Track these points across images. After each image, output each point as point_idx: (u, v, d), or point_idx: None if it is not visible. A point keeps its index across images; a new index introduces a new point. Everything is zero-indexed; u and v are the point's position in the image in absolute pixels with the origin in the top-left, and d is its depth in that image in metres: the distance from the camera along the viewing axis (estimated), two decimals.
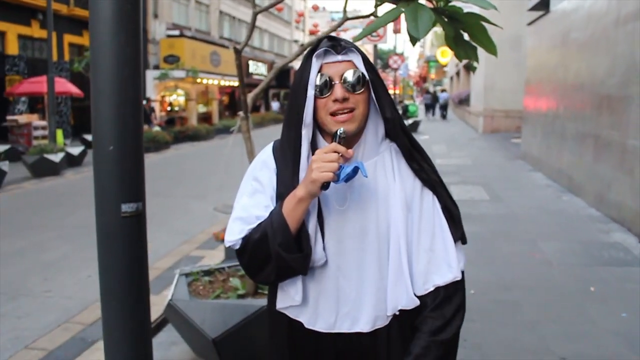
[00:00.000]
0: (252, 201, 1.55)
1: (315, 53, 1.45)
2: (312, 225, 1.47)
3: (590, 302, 4.51)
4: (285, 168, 1.52)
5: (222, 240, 4.98)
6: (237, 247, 1.52)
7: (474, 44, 2.56)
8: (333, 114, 1.45)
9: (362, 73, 1.46)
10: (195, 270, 3.79)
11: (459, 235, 1.56)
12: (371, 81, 1.47)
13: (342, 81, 1.44)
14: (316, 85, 1.45)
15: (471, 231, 6.66)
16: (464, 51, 2.53)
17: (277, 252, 1.43)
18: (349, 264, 1.50)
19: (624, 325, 4.05)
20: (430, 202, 1.53)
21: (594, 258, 5.68)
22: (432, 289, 1.50)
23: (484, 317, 4.19)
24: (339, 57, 1.46)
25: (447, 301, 1.49)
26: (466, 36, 2.60)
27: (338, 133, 1.41)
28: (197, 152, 17.85)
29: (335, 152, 1.38)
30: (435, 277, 1.50)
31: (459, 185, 9.99)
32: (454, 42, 2.56)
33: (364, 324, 1.50)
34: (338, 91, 1.43)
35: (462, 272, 1.54)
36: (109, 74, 1.90)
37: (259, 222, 1.49)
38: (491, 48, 2.55)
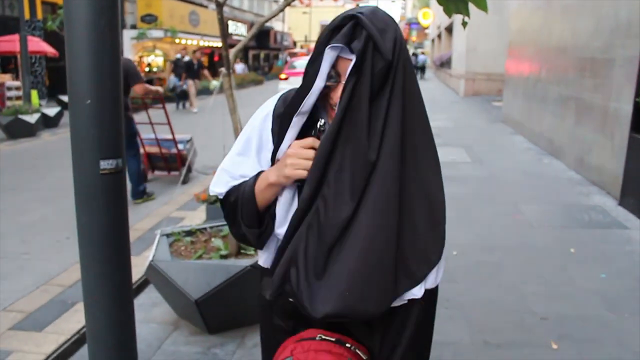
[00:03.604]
0: (240, 158, 1.52)
1: (329, 45, 1.29)
2: (284, 200, 1.43)
3: (571, 263, 4.56)
4: (278, 133, 1.45)
5: (203, 201, 4.95)
6: (221, 197, 1.54)
7: None
8: (330, 106, 1.37)
9: None
10: (177, 231, 3.74)
11: None
12: None
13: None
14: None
15: (453, 192, 6.67)
16: (455, 6, 2.46)
17: (240, 222, 1.47)
18: None
19: (602, 286, 4.11)
20: None
21: (574, 220, 5.73)
22: None
23: (466, 278, 4.21)
24: (352, 56, 1.28)
25: None
26: None
27: (319, 125, 1.34)
28: (175, 113, 17.58)
29: (312, 147, 1.33)
30: None
31: (441, 147, 9.84)
32: None
33: None
34: (338, 93, 1.32)
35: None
36: (84, 24, 1.80)
37: (242, 179, 1.49)
38: (481, 3, 2.49)
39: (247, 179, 1.48)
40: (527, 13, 11.59)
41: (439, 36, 36.80)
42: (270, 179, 1.39)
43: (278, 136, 1.45)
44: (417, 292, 1.40)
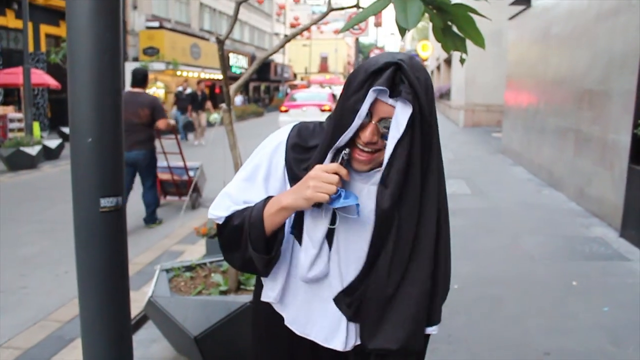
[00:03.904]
0: (246, 184, 1.51)
1: (373, 88, 1.29)
2: (320, 236, 1.43)
3: (572, 296, 4.53)
4: (296, 163, 1.48)
5: (203, 235, 4.92)
6: (220, 222, 1.51)
7: (462, 35, 2.53)
8: (354, 143, 1.37)
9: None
10: (177, 266, 3.72)
11: None
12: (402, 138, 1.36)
13: (378, 122, 1.33)
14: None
15: (454, 225, 6.64)
16: (453, 43, 2.49)
17: (246, 246, 1.43)
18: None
19: (605, 319, 4.07)
20: None
21: (575, 252, 5.71)
22: None
23: (468, 312, 4.17)
24: (390, 101, 1.30)
25: None
26: (454, 28, 2.56)
27: (343, 154, 1.35)
28: (175, 145, 17.60)
29: (336, 173, 1.33)
30: None
31: None
32: (442, 33, 2.52)
33: (338, 342, 1.47)
34: (367, 132, 1.33)
35: None
36: (88, 62, 1.82)
37: (245, 205, 1.47)
38: (479, 40, 2.52)
39: (250, 205, 1.46)
40: (525, 45, 11.72)
41: (438, 68, 37.18)
42: (283, 202, 1.37)
43: (293, 165, 1.46)
44: (436, 327, 1.51)
